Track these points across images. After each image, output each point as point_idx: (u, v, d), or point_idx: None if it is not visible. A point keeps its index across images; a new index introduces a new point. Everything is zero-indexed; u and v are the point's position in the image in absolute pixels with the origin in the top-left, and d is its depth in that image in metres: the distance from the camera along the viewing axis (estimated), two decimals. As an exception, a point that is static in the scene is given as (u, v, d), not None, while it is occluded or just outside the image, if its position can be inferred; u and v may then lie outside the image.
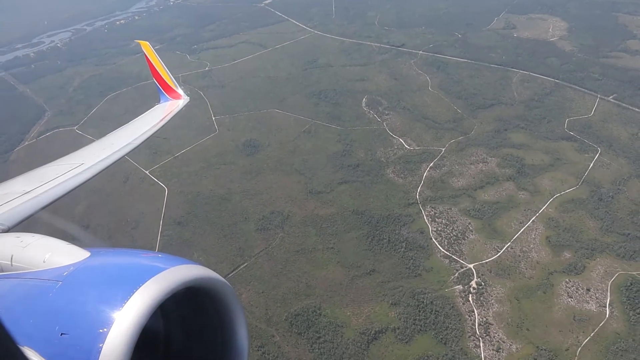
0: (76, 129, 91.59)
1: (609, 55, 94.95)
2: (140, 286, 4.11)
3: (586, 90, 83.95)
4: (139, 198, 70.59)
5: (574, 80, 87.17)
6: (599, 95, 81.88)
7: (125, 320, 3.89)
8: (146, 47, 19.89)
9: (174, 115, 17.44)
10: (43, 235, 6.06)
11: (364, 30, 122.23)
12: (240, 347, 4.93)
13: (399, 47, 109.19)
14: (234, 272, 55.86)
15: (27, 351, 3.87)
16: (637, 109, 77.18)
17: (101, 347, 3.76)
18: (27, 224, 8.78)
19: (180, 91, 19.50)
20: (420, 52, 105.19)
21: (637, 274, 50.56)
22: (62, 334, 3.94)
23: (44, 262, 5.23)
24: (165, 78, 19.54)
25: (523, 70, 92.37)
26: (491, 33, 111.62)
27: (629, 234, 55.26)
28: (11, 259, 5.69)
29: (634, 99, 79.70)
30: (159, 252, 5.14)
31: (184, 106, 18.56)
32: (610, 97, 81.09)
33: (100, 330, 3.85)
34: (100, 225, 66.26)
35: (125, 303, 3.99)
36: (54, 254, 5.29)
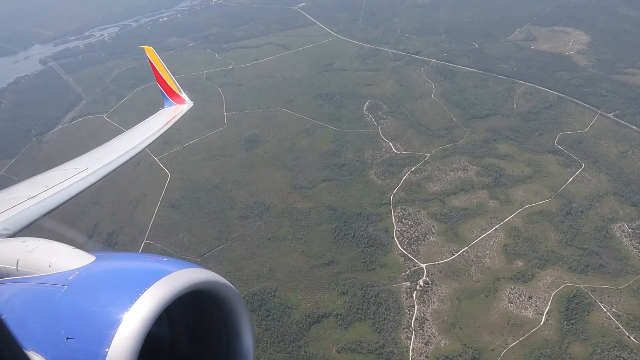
0: (105, 116, 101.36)
1: (622, 72, 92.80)
2: (146, 289, 4.11)
3: (588, 106, 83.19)
4: (144, 181, 78.17)
5: (578, 95, 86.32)
6: (599, 111, 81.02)
7: (130, 323, 3.89)
8: (150, 52, 20.07)
9: (178, 120, 17.69)
10: (48, 240, 6.09)
11: (384, 37, 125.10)
12: (246, 351, 4.93)
13: (413, 54, 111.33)
14: (210, 252, 61.78)
15: (33, 355, 3.87)
16: (635, 127, 75.87)
17: (107, 352, 3.76)
18: (32, 228, 9.05)
19: (184, 96, 19.62)
20: (433, 60, 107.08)
21: (583, 286, 51.61)
22: (67, 338, 3.95)
23: (49, 266, 5.24)
24: (169, 83, 19.73)
25: (529, 83, 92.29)
26: (508, 44, 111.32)
27: (587, 248, 55.97)
28: (17, 263, 5.69)
29: (635, 116, 78.25)
30: (164, 256, 5.34)
31: (188, 110, 18.76)
32: (611, 113, 80.00)
33: (106, 334, 3.85)
34: (106, 202, 74.29)
35: (131, 306, 3.99)
36: (59, 258, 5.31)
